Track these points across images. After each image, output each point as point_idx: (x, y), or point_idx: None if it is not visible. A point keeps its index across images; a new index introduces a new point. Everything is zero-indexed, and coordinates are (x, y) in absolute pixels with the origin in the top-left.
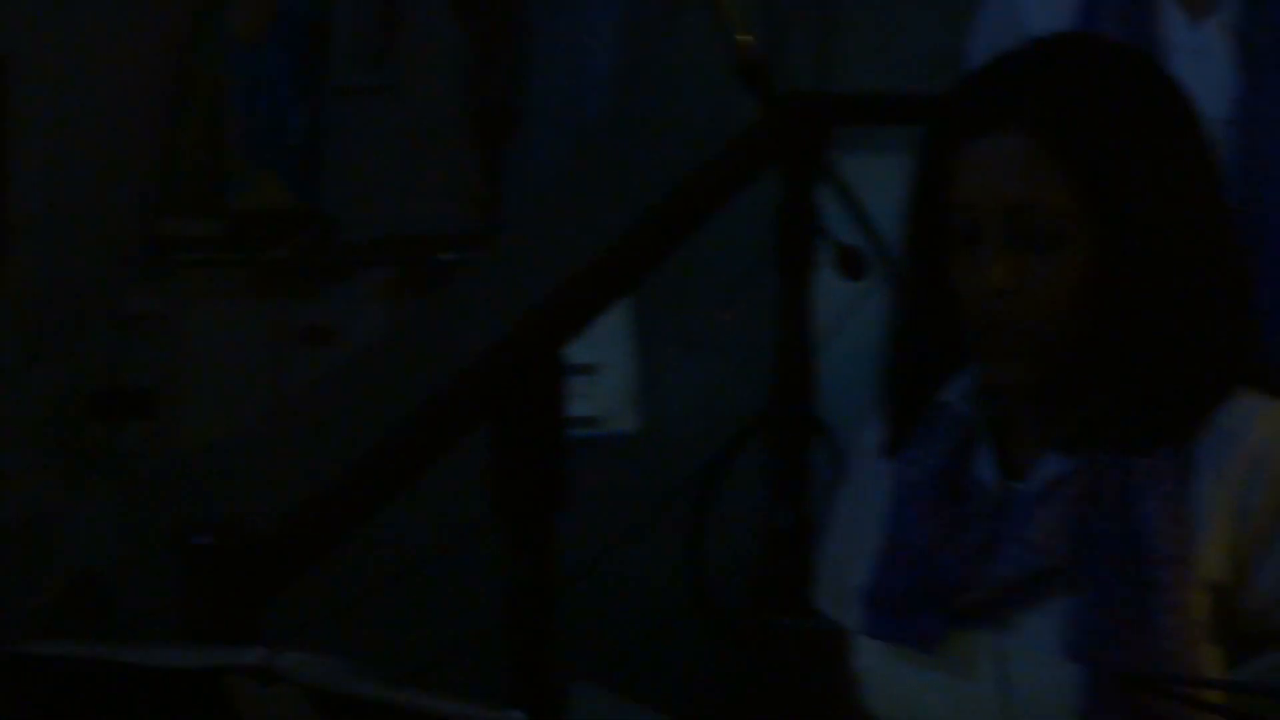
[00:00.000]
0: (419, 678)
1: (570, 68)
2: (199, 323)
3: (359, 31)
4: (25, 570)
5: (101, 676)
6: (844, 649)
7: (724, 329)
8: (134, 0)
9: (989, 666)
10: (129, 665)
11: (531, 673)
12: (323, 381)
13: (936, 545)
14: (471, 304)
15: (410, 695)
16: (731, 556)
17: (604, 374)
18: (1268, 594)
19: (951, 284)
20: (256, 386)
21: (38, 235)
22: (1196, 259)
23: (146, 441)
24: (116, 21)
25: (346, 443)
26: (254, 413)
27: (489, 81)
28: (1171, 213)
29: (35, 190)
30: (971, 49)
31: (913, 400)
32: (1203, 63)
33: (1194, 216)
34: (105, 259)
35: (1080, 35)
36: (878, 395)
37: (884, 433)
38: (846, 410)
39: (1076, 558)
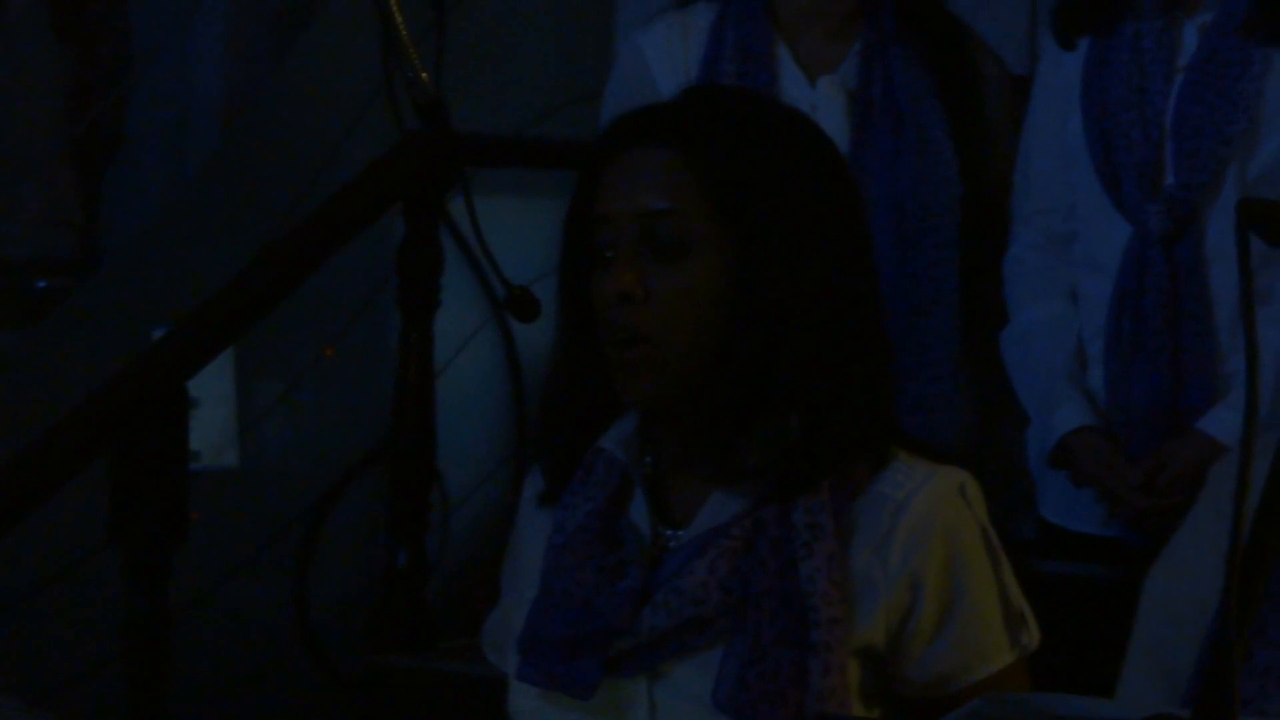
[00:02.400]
0: (34, 707)
1: (177, 96)
2: None
3: None
4: None
5: None
6: (492, 690)
7: (327, 366)
8: None
9: (642, 715)
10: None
11: (148, 705)
12: None
13: (593, 592)
14: (73, 333)
15: None
16: (342, 595)
17: (205, 408)
18: (939, 672)
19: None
20: None
21: None
22: (831, 292)
23: None
24: None
25: None
26: None
27: (91, 107)
28: (805, 238)
29: None
30: (606, 107)
31: (569, 447)
32: (819, 119)
33: (830, 251)
34: None
35: (728, 86)
36: (536, 443)
37: (542, 480)
38: (451, 449)
39: (733, 610)
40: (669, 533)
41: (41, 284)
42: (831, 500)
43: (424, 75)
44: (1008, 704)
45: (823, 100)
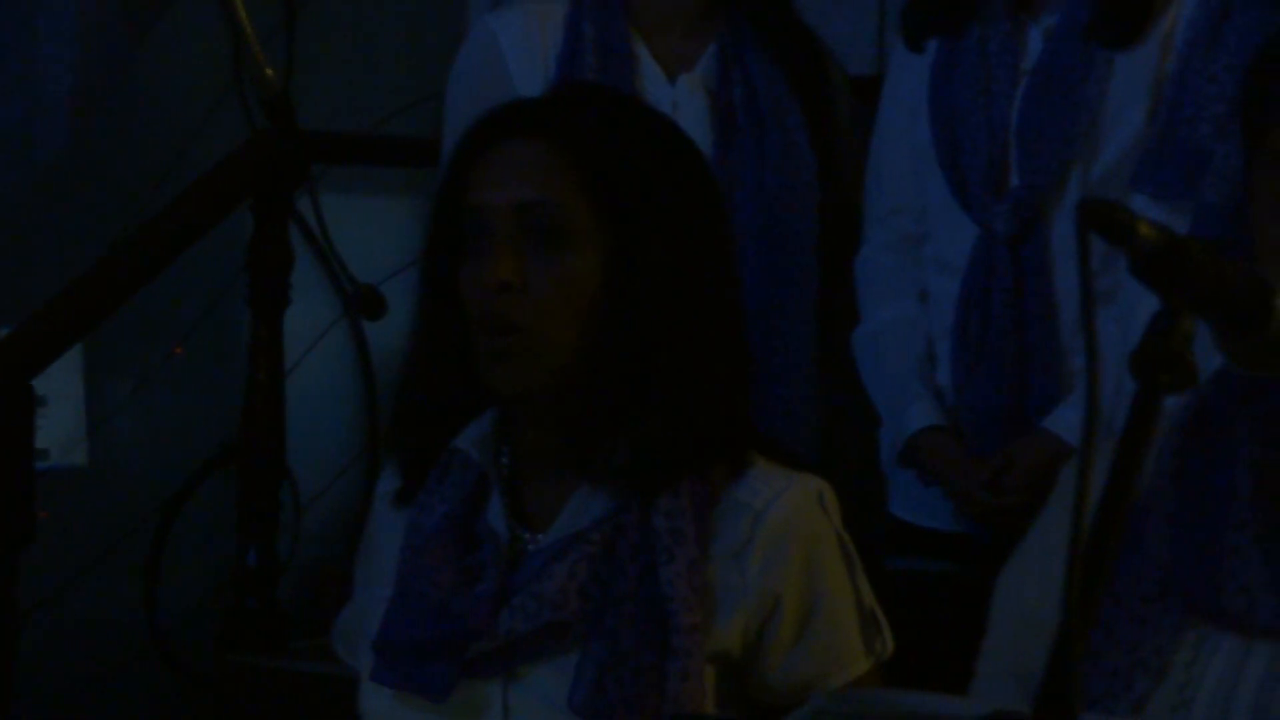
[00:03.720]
0: None
1: (25, 92)
2: None
3: None
4: None
5: None
6: (344, 690)
7: (177, 364)
8: None
9: (496, 717)
10: None
11: None
12: None
13: (450, 594)
14: None
15: None
16: (192, 595)
17: (53, 406)
18: (797, 680)
19: (463, 312)
20: None
21: None
22: (698, 293)
23: None
24: None
25: None
26: None
27: None
28: (676, 237)
29: None
30: (451, 88)
31: (424, 446)
32: (678, 117)
33: (697, 251)
34: None
35: (599, 84)
36: (390, 440)
37: (396, 478)
38: (302, 447)
39: (592, 615)
40: (527, 535)
41: None
42: (692, 506)
43: (269, 72)
44: (851, 700)
45: (683, 98)
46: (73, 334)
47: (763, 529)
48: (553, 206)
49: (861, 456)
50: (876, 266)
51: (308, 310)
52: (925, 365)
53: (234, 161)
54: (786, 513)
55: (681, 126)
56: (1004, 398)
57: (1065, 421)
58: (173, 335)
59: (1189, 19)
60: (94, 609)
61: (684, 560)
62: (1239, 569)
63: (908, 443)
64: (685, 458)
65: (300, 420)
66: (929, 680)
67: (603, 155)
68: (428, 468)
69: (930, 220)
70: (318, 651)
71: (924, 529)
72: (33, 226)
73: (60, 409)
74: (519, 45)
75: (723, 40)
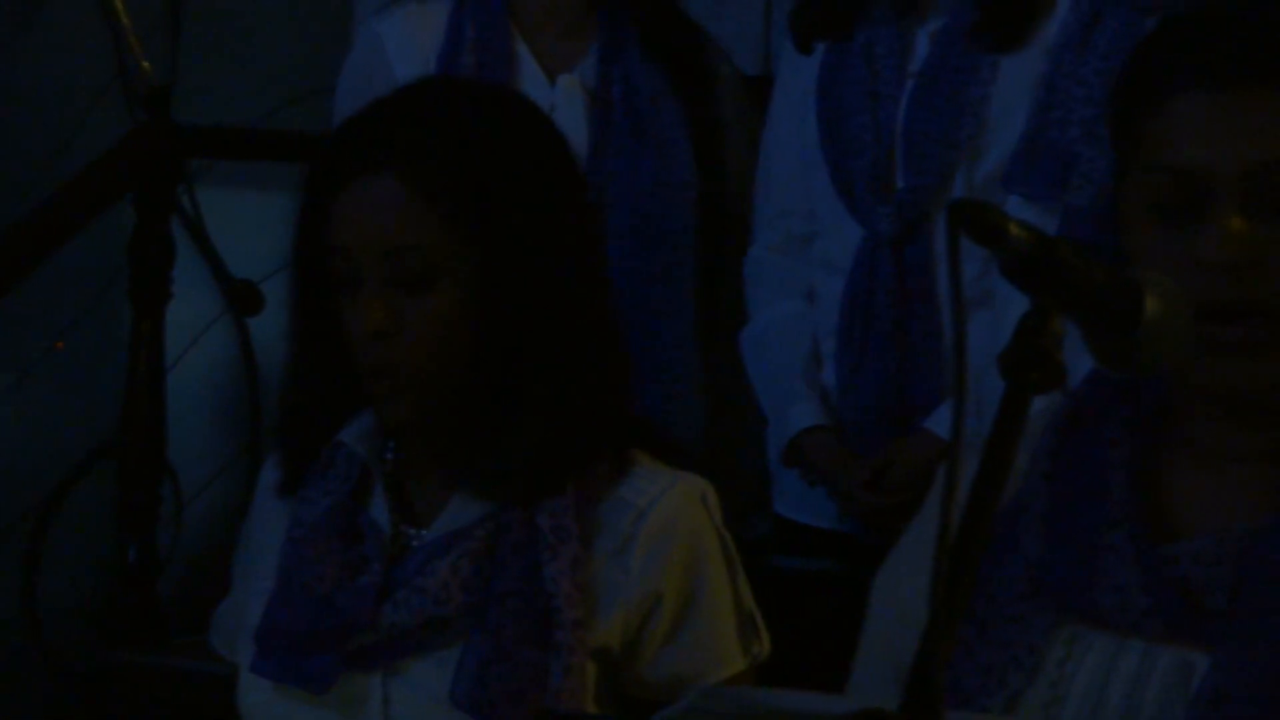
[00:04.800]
0: None
1: None
2: None
3: None
4: None
5: None
6: (224, 687)
7: (57, 359)
8: None
9: (375, 710)
10: None
11: None
12: None
13: (332, 587)
14: None
15: None
16: (72, 591)
17: None
18: (672, 676)
19: (339, 320)
20: None
21: None
22: (568, 298)
23: None
24: None
25: None
26: None
27: None
28: (541, 247)
29: None
30: (340, 93)
31: (309, 439)
32: (558, 119)
33: (564, 255)
34: None
35: (454, 78)
36: (275, 432)
37: (279, 472)
38: (184, 443)
39: (474, 610)
40: (410, 530)
41: None
42: (575, 504)
43: (145, 65)
44: (723, 697)
45: (562, 99)
46: None
47: (645, 526)
48: (418, 250)
49: (748, 455)
50: (764, 266)
51: (191, 306)
52: (810, 365)
53: (111, 156)
54: (669, 511)
55: (561, 127)
56: (887, 397)
57: (946, 421)
58: (53, 330)
59: (1062, 22)
60: None
61: (567, 557)
62: (1111, 567)
63: (792, 442)
64: (565, 465)
65: (182, 416)
66: (814, 678)
67: (455, 185)
68: (311, 460)
69: (818, 221)
70: (198, 648)
71: (809, 527)
72: None
73: None
74: (404, 47)
75: (604, 39)
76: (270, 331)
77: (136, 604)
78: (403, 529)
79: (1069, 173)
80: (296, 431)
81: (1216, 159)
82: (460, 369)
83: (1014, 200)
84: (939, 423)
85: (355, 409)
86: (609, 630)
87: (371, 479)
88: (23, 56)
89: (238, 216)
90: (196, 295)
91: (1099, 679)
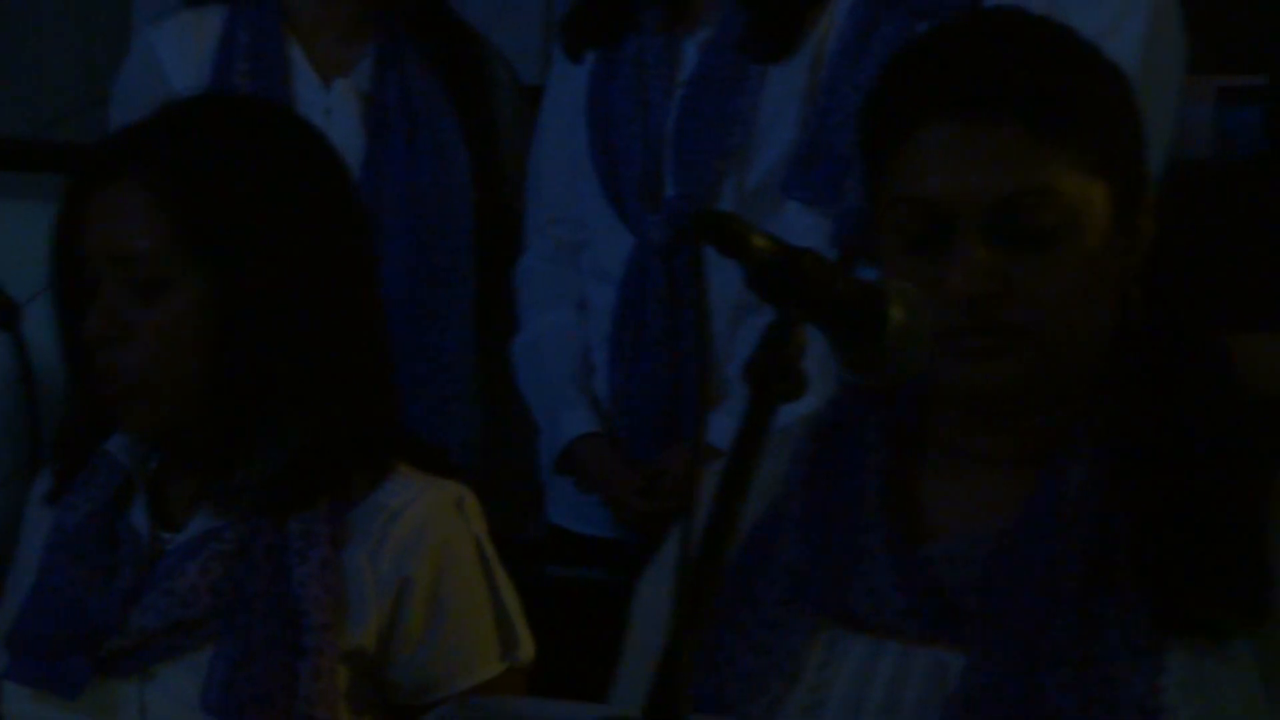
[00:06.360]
0: None
1: None
2: None
3: None
4: None
5: None
6: None
7: None
8: None
9: (132, 716)
10: None
11: None
12: None
13: (86, 591)
14: None
15: None
16: None
17: None
18: (424, 678)
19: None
20: None
21: None
22: (321, 311)
23: None
24: None
25: None
26: None
27: None
28: (288, 262)
29: None
30: (114, 104)
31: (79, 448)
32: (332, 122)
33: (319, 268)
34: None
35: (220, 94)
36: (52, 444)
37: (51, 481)
38: None
39: (224, 614)
40: (166, 537)
41: None
42: (328, 509)
43: None
44: (476, 709)
45: (338, 104)
46: None
47: (396, 528)
48: (145, 259)
49: (522, 463)
50: (535, 275)
51: None
52: (583, 373)
53: None
54: (421, 515)
55: (335, 132)
56: (659, 404)
57: (717, 427)
58: None
59: (839, 29)
60: None
61: (317, 560)
62: (867, 570)
63: (564, 449)
64: (318, 478)
65: None
66: (585, 687)
67: (196, 197)
68: (79, 468)
69: (588, 229)
70: None
71: (582, 535)
72: None
73: None
74: (177, 56)
75: (381, 43)
76: (50, 343)
77: None
78: (160, 535)
79: (845, 176)
80: (67, 440)
81: (962, 191)
82: (199, 379)
83: (794, 206)
84: (709, 430)
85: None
86: (362, 633)
87: (134, 486)
88: None
89: (11, 229)
90: None
91: (858, 682)
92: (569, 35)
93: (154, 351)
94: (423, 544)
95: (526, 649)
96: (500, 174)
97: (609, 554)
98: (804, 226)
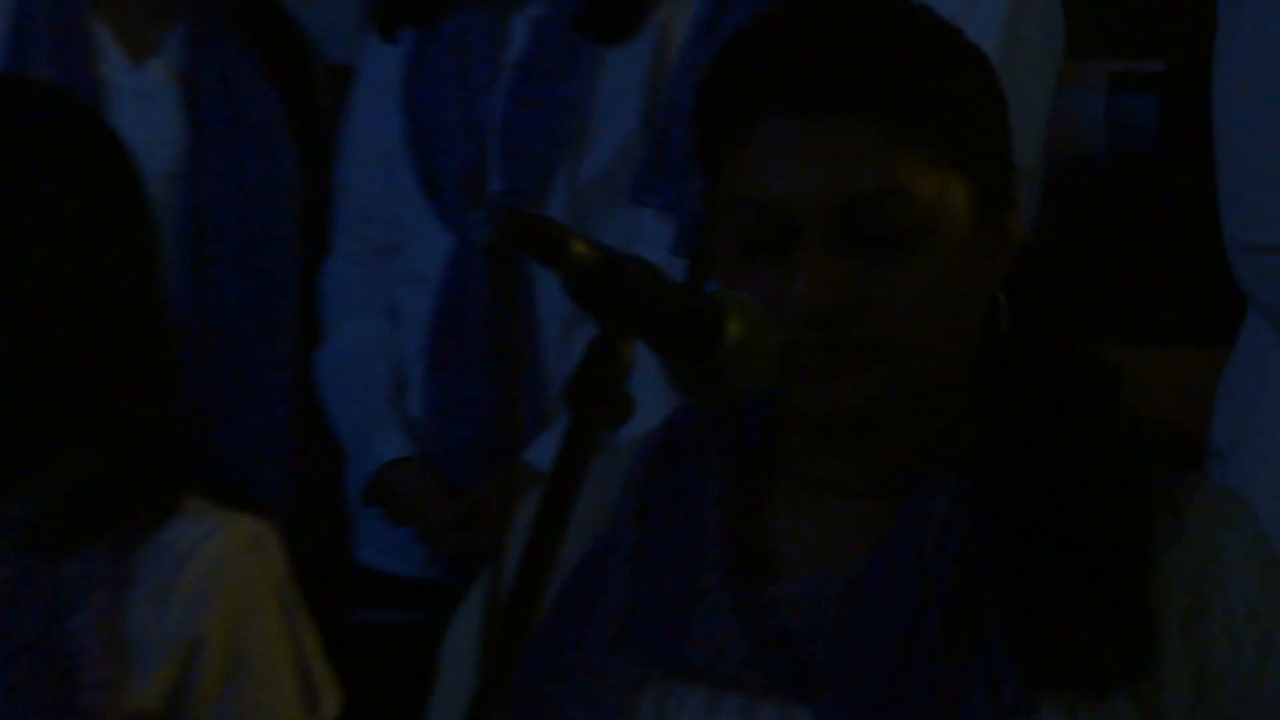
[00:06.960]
0: None
1: None
2: None
3: None
4: None
5: None
6: None
7: None
8: None
9: None
10: None
11: None
12: None
13: None
14: None
15: None
16: None
17: None
18: None
19: None
20: None
21: None
22: (102, 335)
23: None
24: None
25: None
26: None
27: None
28: (59, 279)
29: None
30: None
31: None
32: (148, 108)
33: (100, 285)
34: None
35: (9, 79)
36: None
37: None
38: None
39: None
40: None
41: None
42: (109, 550)
43: None
44: None
45: (153, 87)
46: None
47: (186, 574)
48: None
49: (331, 494)
50: (342, 279)
51: None
52: (394, 391)
53: None
54: (214, 556)
55: (151, 122)
56: (482, 425)
57: (547, 452)
58: None
59: (690, 13)
60: None
61: (94, 609)
62: (706, 614)
63: (373, 477)
64: (98, 511)
65: None
66: None
67: None
68: None
69: (402, 229)
70: None
71: (394, 575)
72: None
73: None
74: None
75: (192, 21)
76: None
77: None
78: None
79: (690, 178)
80: None
81: (803, 192)
82: None
83: (649, 216)
84: (538, 454)
85: None
86: (147, 689)
87: None
88: None
89: None
90: None
91: None
92: (382, 11)
93: None
94: (215, 591)
95: (331, 704)
96: (326, 168)
97: (423, 596)
98: (650, 229)
